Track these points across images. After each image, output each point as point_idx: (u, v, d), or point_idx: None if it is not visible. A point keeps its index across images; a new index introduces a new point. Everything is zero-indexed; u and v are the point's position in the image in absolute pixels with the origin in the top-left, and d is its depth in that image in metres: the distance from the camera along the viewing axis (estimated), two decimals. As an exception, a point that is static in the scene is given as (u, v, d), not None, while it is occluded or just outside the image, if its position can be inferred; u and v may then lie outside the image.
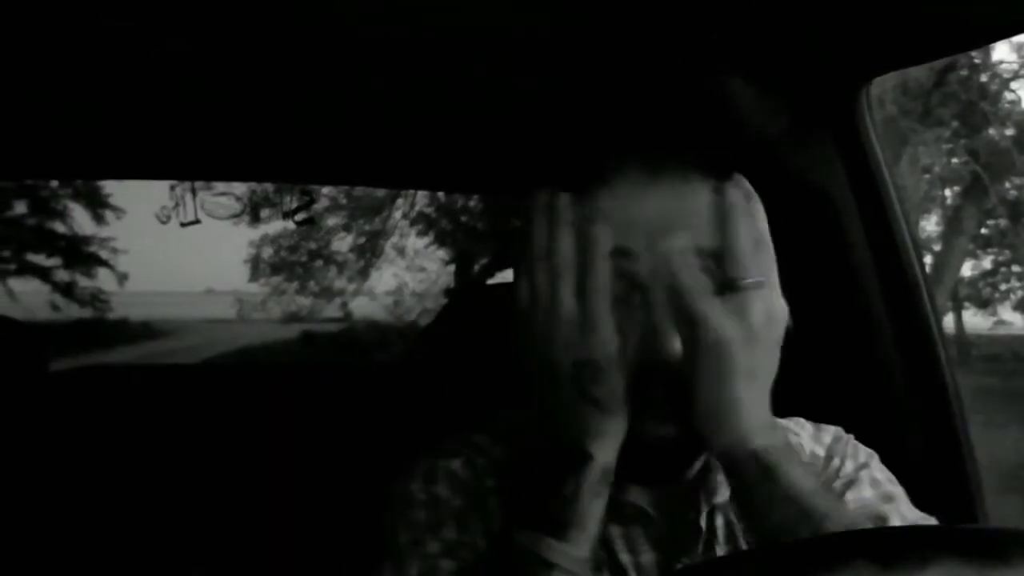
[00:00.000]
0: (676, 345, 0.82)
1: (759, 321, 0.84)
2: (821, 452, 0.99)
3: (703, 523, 0.92)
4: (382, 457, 1.09)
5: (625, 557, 0.90)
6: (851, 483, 0.96)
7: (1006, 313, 11.23)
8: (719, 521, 0.93)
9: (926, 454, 1.28)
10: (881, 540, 0.55)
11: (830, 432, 1.02)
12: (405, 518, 0.91)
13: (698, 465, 0.93)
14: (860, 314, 1.30)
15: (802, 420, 1.03)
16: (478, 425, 1.01)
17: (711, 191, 0.87)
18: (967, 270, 10.85)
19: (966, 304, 11.17)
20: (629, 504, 0.90)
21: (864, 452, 1.00)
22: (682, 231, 0.85)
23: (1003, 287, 11.15)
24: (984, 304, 11.23)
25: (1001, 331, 11.26)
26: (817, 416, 1.05)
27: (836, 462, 0.98)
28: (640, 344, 0.83)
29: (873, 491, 0.96)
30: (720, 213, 0.85)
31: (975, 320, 11.44)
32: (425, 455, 0.97)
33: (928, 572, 0.50)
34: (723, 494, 0.92)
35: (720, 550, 0.92)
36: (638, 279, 0.85)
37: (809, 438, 1.01)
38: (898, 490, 0.97)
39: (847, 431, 1.03)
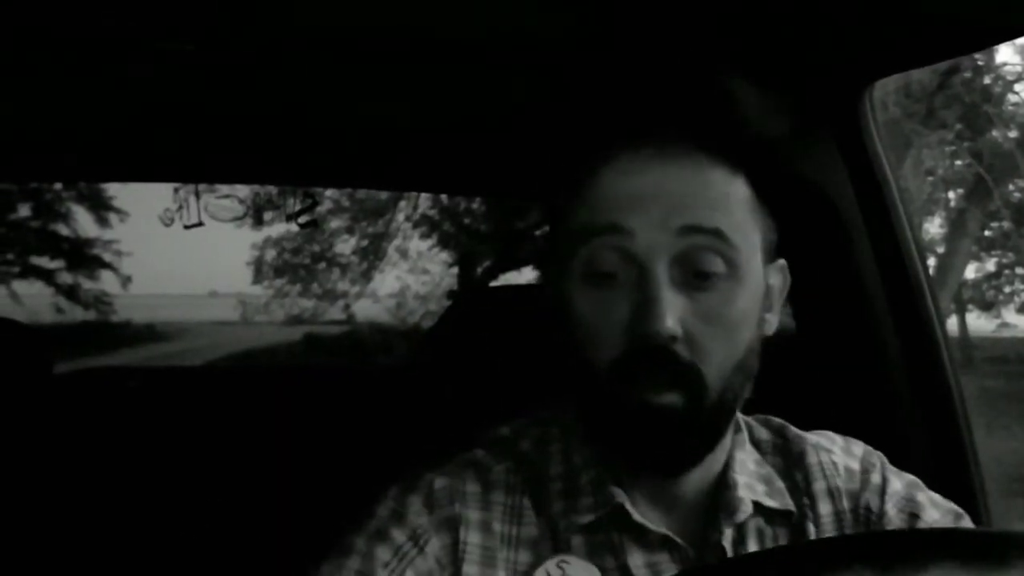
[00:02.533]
0: (671, 320, 0.80)
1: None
2: (856, 466, 0.96)
3: (727, 544, 0.88)
4: (385, 460, 1.09)
5: None
6: (912, 498, 0.94)
7: (1010, 316, 11.20)
8: (751, 542, 0.89)
9: (929, 457, 1.27)
10: (880, 544, 0.55)
11: (860, 444, 0.99)
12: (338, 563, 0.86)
13: (712, 479, 0.90)
14: (863, 317, 1.30)
15: (831, 434, 1.00)
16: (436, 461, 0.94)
17: (714, 173, 0.86)
18: (971, 272, 10.83)
19: (970, 306, 11.16)
20: (651, 532, 0.86)
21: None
22: (682, 209, 0.83)
23: (1007, 289, 11.12)
24: (988, 306, 11.20)
25: (1005, 333, 11.23)
26: (822, 420, 1.05)
27: (876, 477, 0.95)
28: (635, 318, 0.82)
29: (924, 495, 0.95)
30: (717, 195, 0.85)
31: (979, 322, 11.42)
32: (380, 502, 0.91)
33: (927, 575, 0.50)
34: (744, 511, 0.88)
35: None
36: (631, 254, 0.83)
37: (841, 452, 0.97)
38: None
39: (850, 434, 1.01)
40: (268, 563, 1.69)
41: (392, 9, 1.08)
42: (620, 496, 0.86)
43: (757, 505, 0.89)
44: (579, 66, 1.23)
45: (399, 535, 0.85)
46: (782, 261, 0.93)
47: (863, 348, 1.32)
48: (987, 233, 10.19)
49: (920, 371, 1.29)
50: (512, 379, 1.32)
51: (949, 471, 1.27)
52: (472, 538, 0.86)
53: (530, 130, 1.58)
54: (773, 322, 0.92)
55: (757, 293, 0.87)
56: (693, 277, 0.82)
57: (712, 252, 0.83)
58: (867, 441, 1.02)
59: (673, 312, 0.80)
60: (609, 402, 0.84)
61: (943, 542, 0.53)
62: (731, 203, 0.85)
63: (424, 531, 0.85)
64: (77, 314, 12.06)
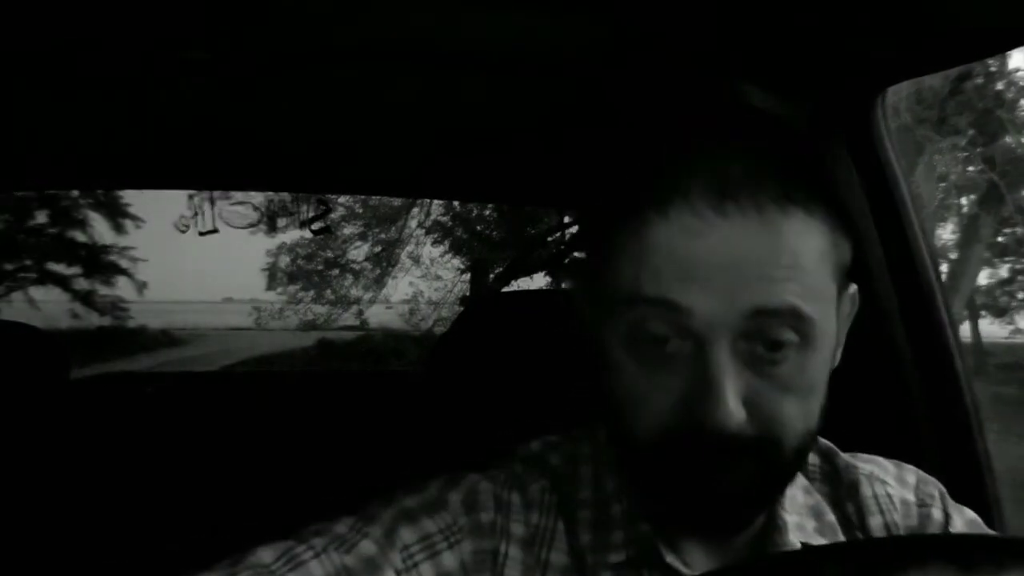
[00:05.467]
0: (734, 405, 0.68)
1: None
2: (911, 498, 0.89)
3: None
4: (398, 465, 1.09)
5: None
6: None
7: (1023, 321, 11.18)
8: None
9: (942, 463, 1.27)
10: (960, 544, 0.55)
11: (912, 472, 0.91)
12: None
13: (761, 521, 0.81)
14: (876, 323, 1.30)
15: (881, 460, 0.92)
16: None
17: (787, 225, 0.69)
18: (983, 278, 10.82)
19: (983, 312, 11.14)
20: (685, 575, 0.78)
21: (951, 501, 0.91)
22: (751, 286, 0.68)
23: (1020, 295, 11.11)
24: (1001, 312, 11.19)
25: (1018, 339, 11.21)
26: (834, 426, 1.04)
27: (937, 513, 0.88)
28: (691, 401, 0.70)
29: None
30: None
31: (992, 328, 11.41)
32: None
33: None
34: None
35: None
36: (687, 328, 0.69)
37: (895, 482, 0.89)
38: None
39: (863, 441, 0.98)
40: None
41: (405, 19, 1.09)
42: (652, 535, 0.79)
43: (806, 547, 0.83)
44: (595, 76, 1.24)
45: (431, 524, 0.78)
46: (854, 287, 0.83)
47: (875, 354, 1.31)
48: (1000, 239, 10.17)
49: (933, 377, 1.28)
50: (524, 385, 1.32)
51: (962, 477, 1.26)
52: (513, 551, 0.79)
53: (542, 137, 1.59)
54: (838, 355, 0.81)
55: (831, 348, 0.76)
56: (761, 349, 0.70)
57: (784, 327, 0.69)
58: (879, 448, 1.01)
59: (736, 395, 0.68)
60: (659, 474, 0.74)
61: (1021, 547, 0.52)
62: (806, 262, 0.70)
63: (460, 530, 0.78)
64: (93, 319, 12.17)
